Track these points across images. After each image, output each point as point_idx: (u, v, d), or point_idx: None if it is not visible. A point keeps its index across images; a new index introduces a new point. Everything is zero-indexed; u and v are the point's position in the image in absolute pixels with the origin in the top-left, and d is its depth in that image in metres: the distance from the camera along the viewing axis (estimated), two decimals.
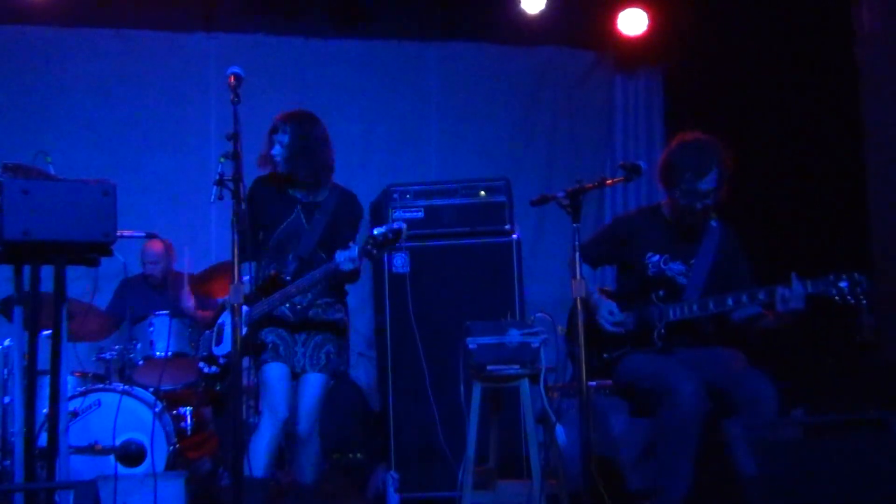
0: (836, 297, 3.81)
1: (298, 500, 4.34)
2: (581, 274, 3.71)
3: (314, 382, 4.16)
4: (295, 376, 4.20)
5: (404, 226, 3.92)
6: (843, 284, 3.80)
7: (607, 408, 5.00)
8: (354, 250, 3.90)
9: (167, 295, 5.72)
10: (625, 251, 4.24)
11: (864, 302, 3.80)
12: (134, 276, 5.88)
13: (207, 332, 4.33)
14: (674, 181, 4.06)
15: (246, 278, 4.23)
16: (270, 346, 4.11)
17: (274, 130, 4.16)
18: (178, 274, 5.83)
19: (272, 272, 4.16)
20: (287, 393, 4.11)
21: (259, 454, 3.95)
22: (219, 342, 4.26)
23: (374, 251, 3.93)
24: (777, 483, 3.44)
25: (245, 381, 4.33)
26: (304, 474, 4.27)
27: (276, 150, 4.17)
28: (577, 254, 3.71)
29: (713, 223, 4.19)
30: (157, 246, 5.85)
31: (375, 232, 3.91)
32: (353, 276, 4.06)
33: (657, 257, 4.15)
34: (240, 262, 4.30)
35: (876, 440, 3.84)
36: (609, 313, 4.12)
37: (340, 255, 3.92)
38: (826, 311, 4.01)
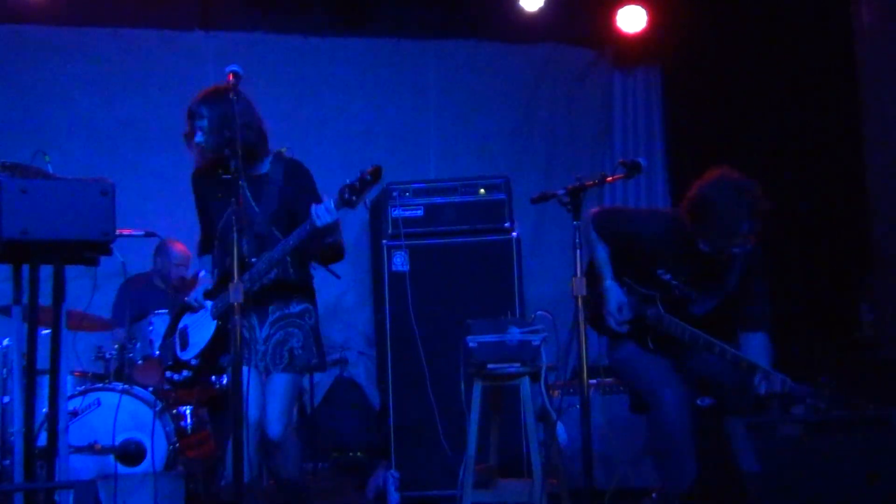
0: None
1: (298, 499, 4.32)
2: (582, 272, 3.69)
3: (279, 383, 3.91)
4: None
5: (380, 166, 3.61)
6: (819, 404, 3.81)
7: (608, 405, 5.00)
8: (330, 201, 3.60)
9: (175, 298, 5.67)
10: (637, 252, 4.06)
11: (823, 407, 3.82)
12: (136, 276, 5.85)
13: (169, 339, 4.16)
14: (700, 231, 3.78)
15: (203, 273, 4.13)
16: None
17: (191, 116, 3.81)
18: (189, 279, 5.82)
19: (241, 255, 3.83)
20: (255, 395, 3.86)
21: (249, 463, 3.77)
22: (184, 346, 4.07)
23: (354, 198, 3.58)
24: (779, 479, 3.45)
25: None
26: (285, 472, 4.06)
27: (199, 138, 3.84)
28: (578, 252, 3.67)
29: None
30: (184, 249, 5.77)
31: (349, 180, 3.59)
32: (333, 230, 3.73)
33: (668, 276, 3.97)
34: (200, 256, 4.19)
35: (877, 437, 3.84)
36: (618, 311, 3.98)
37: (316, 209, 3.62)
38: (827, 308, 4.01)
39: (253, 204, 3.95)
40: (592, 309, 3.94)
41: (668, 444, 3.82)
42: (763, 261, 3.96)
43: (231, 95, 3.60)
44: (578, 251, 3.68)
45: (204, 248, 4.19)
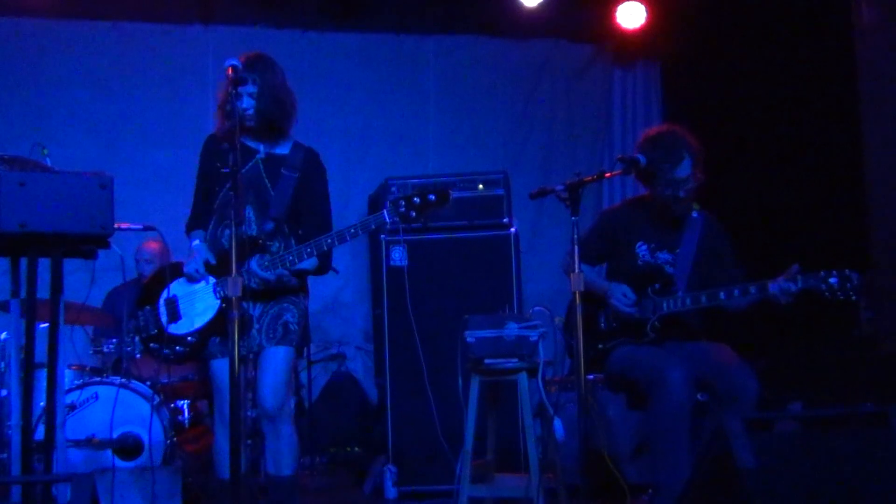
0: (827, 294, 3.80)
1: (297, 494, 4.31)
2: (579, 267, 3.70)
3: (274, 356, 3.82)
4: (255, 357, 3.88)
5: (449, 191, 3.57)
6: (832, 281, 3.79)
7: (605, 401, 5.00)
8: (261, 258, 3.69)
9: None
10: (617, 244, 4.27)
11: (854, 298, 3.78)
12: (125, 283, 5.82)
13: (147, 308, 3.92)
14: (652, 176, 4.12)
15: (196, 242, 3.91)
16: (219, 340, 3.79)
17: (240, 81, 3.66)
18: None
19: (251, 234, 3.77)
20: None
21: (223, 460, 3.72)
22: (174, 318, 3.86)
23: (413, 213, 3.60)
24: (776, 476, 3.44)
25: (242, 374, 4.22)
26: (281, 465, 3.89)
27: (246, 103, 3.78)
28: (576, 248, 3.69)
29: (695, 214, 4.24)
30: (152, 245, 5.78)
31: (406, 192, 3.61)
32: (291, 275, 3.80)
33: (645, 246, 4.20)
34: (189, 234, 3.98)
35: (874, 433, 3.84)
36: (623, 295, 4.11)
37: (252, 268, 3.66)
38: (824, 305, 4.00)
39: (267, 184, 3.89)
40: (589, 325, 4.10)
41: (671, 425, 3.81)
42: (722, 228, 4.28)
43: (230, 90, 3.58)
44: (577, 247, 3.69)
45: (196, 223, 3.99)
